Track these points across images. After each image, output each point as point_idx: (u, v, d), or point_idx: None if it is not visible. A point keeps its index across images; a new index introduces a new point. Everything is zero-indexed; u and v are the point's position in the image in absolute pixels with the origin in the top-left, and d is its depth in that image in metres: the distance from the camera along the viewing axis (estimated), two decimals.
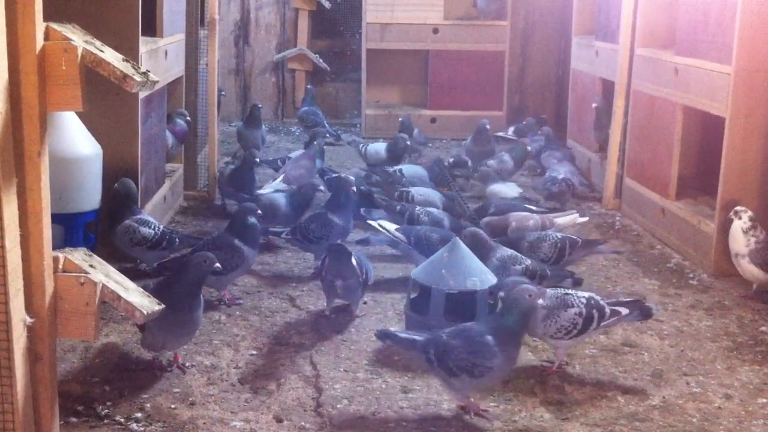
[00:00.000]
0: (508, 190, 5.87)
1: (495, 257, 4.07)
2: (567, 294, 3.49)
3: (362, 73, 8.88)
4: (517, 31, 9.15)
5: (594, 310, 3.44)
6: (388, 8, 8.61)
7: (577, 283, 4.19)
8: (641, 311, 3.53)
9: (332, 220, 4.63)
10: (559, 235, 4.52)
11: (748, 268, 4.37)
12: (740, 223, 4.40)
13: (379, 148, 6.77)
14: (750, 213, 4.40)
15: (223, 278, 4.05)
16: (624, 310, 3.49)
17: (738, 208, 4.43)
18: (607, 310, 3.46)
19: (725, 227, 4.53)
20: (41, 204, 2.36)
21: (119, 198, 4.33)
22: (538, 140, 7.15)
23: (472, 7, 8.67)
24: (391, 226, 4.59)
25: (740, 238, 4.39)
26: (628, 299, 3.66)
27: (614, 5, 6.32)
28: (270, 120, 9.28)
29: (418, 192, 5.48)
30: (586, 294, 3.52)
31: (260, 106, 7.62)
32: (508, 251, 4.16)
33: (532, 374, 3.52)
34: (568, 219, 5.00)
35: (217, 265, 3.43)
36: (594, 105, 6.66)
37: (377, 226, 4.60)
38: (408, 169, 6.12)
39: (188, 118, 5.80)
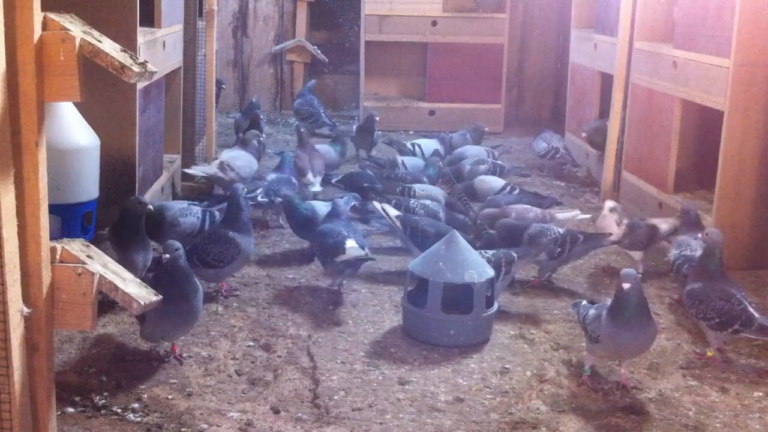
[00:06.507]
0: (494, 180, 5.84)
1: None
2: None
3: (361, 66, 8.87)
4: (515, 23, 9.13)
5: None
6: (387, 0, 8.60)
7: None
8: None
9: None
10: (560, 230, 4.47)
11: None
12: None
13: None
14: None
15: (222, 270, 4.05)
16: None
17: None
18: None
19: (721, 221, 4.53)
20: (38, 194, 2.35)
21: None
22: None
23: (471, 0, 8.65)
24: (393, 212, 4.59)
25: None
26: None
27: None
28: (268, 112, 9.26)
29: (420, 188, 5.42)
30: None
31: (254, 100, 7.56)
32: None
33: (529, 366, 3.53)
34: (570, 215, 4.99)
35: (166, 255, 3.35)
36: (583, 135, 6.64)
37: (380, 208, 4.60)
38: (409, 161, 6.10)
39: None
